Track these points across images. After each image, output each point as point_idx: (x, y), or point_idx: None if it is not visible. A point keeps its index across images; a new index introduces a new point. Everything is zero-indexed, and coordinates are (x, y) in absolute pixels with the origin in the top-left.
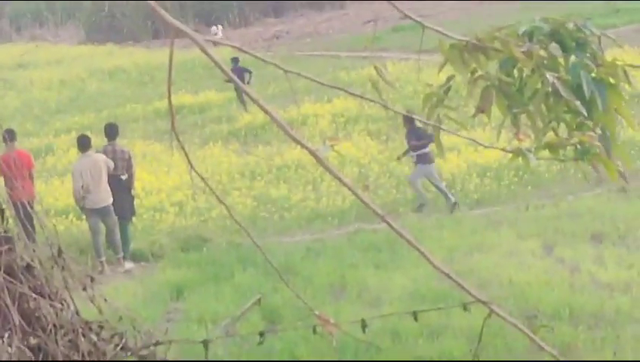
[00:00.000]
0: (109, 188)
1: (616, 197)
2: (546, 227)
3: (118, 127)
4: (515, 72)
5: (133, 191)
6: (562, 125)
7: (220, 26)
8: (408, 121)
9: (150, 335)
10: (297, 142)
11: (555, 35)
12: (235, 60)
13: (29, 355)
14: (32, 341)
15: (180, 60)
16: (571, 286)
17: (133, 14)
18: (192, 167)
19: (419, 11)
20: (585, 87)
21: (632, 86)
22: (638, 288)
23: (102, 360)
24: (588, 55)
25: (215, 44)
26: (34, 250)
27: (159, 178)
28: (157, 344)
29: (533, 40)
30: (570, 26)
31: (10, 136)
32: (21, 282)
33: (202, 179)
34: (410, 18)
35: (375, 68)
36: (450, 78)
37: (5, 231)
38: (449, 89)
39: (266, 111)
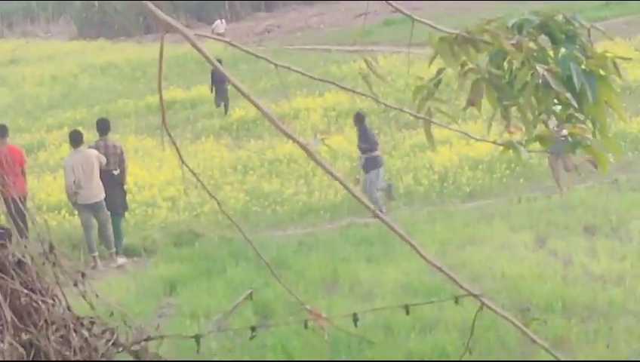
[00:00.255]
0: (101, 184)
1: (608, 190)
2: (539, 219)
3: (109, 122)
4: (505, 64)
5: (125, 187)
6: (553, 118)
7: (223, 20)
8: (359, 120)
9: (142, 331)
10: (288, 136)
11: (545, 27)
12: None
13: (21, 351)
14: (24, 337)
15: (172, 55)
16: (564, 279)
17: (125, 10)
18: (183, 162)
19: (409, 5)
20: (575, 79)
21: (622, 78)
22: (631, 280)
23: (93, 355)
24: (577, 47)
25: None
26: (25, 246)
27: (151, 173)
28: (148, 339)
29: (523, 32)
30: (560, 18)
31: (2, 132)
32: (12, 278)
33: (194, 173)
34: (401, 12)
35: (366, 61)
36: (440, 71)
37: None
38: (439, 82)
39: (256, 106)
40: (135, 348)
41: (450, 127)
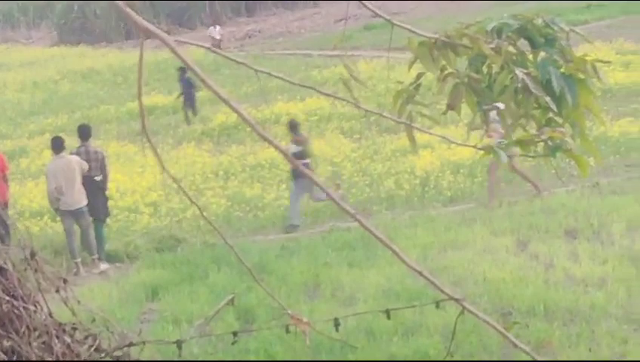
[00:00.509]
0: (83, 190)
1: (589, 193)
2: (520, 223)
3: (90, 128)
4: (485, 68)
5: (106, 192)
6: (532, 122)
7: (217, 26)
8: (292, 128)
9: (124, 336)
10: (268, 141)
11: (524, 31)
12: (182, 71)
13: (2, 357)
14: (6, 343)
15: (153, 61)
16: (546, 282)
17: (106, 15)
18: (163, 168)
19: (390, 9)
20: (554, 83)
21: (602, 81)
22: (613, 283)
23: (76, 361)
24: (557, 51)
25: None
26: (7, 253)
27: (133, 179)
28: (131, 345)
29: (502, 36)
30: (539, 22)
31: None
32: None
33: (174, 180)
34: (380, 16)
35: (346, 66)
36: (419, 76)
37: None
38: (419, 86)
39: (235, 111)
40: (117, 353)
41: (431, 132)
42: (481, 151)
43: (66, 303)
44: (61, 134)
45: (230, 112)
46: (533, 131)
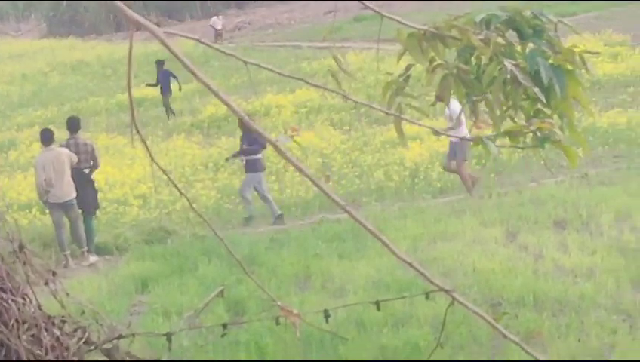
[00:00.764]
0: (72, 182)
1: (578, 184)
2: (509, 214)
3: (79, 120)
4: (473, 60)
5: (96, 185)
6: (520, 113)
7: (220, 16)
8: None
9: (113, 329)
10: (258, 132)
11: (512, 22)
12: (160, 64)
13: None
14: None
15: (142, 53)
16: (535, 273)
17: (95, 8)
18: (153, 160)
19: (379, 1)
20: (543, 74)
21: (591, 73)
22: (602, 274)
23: (65, 354)
24: (545, 42)
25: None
26: None
27: (122, 171)
28: (120, 337)
29: (491, 28)
30: (527, 13)
31: None
32: None
33: (164, 171)
34: (369, 8)
35: (334, 58)
36: (409, 67)
37: None
38: (408, 77)
39: (225, 103)
40: (107, 346)
41: (421, 123)
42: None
43: (55, 296)
44: (50, 126)
45: (220, 104)
46: (522, 122)
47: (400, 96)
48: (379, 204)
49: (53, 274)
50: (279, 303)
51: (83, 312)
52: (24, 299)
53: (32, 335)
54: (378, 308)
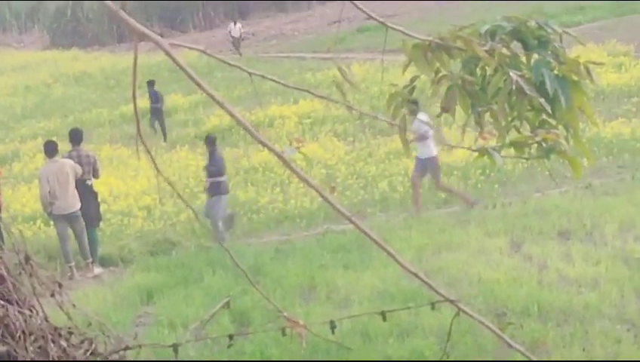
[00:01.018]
0: (76, 194)
1: (582, 194)
2: (514, 224)
3: (82, 132)
4: (478, 70)
5: (99, 196)
6: (525, 124)
7: (237, 23)
8: (210, 143)
9: (120, 340)
10: (264, 144)
11: (517, 33)
12: (150, 84)
13: None
14: (2, 348)
15: (146, 64)
16: (540, 283)
17: (98, 19)
18: (158, 171)
19: (383, 12)
20: (548, 85)
21: (595, 83)
22: (606, 284)
23: None
24: (550, 53)
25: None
26: (1, 257)
27: (127, 182)
28: (126, 348)
29: (496, 39)
30: (532, 24)
31: None
32: None
33: (169, 183)
34: (374, 19)
35: (339, 69)
36: (414, 78)
37: None
38: (413, 89)
39: (231, 114)
40: (113, 357)
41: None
42: (476, 154)
43: (61, 307)
44: (54, 138)
45: (223, 115)
46: (527, 133)
47: (405, 108)
48: (383, 214)
49: (60, 285)
50: (285, 314)
51: (89, 324)
52: (31, 310)
53: (39, 347)
54: (384, 319)
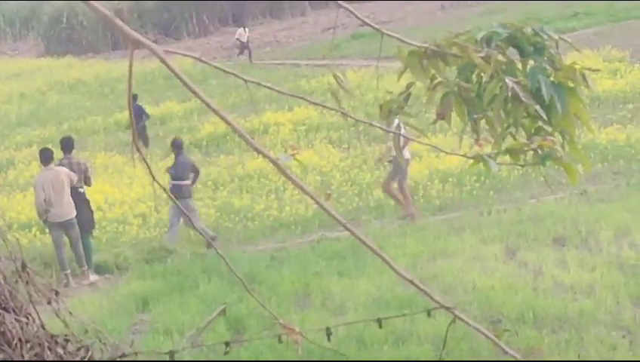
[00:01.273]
0: (72, 202)
1: (577, 201)
2: (509, 231)
3: (73, 140)
4: (474, 77)
5: (91, 204)
6: (521, 130)
7: (246, 28)
8: (176, 147)
9: (116, 348)
10: (259, 151)
11: (513, 40)
12: (133, 98)
13: None
14: None
15: (140, 71)
16: (535, 290)
17: (93, 26)
18: (154, 178)
19: (377, 18)
20: (544, 91)
21: (591, 89)
22: (601, 290)
23: None
24: (546, 59)
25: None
26: None
27: (122, 190)
28: (123, 356)
29: (492, 45)
30: (528, 30)
31: None
32: None
33: (165, 190)
34: (369, 25)
35: (334, 76)
36: (409, 85)
37: None
38: (409, 96)
39: (226, 122)
40: None
41: (421, 141)
42: (471, 160)
43: (58, 315)
44: (49, 146)
45: (218, 123)
46: (523, 140)
47: (400, 115)
48: (378, 221)
49: (56, 293)
50: (281, 321)
51: (86, 331)
52: (27, 318)
53: (36, 355)
54: (380, 326)
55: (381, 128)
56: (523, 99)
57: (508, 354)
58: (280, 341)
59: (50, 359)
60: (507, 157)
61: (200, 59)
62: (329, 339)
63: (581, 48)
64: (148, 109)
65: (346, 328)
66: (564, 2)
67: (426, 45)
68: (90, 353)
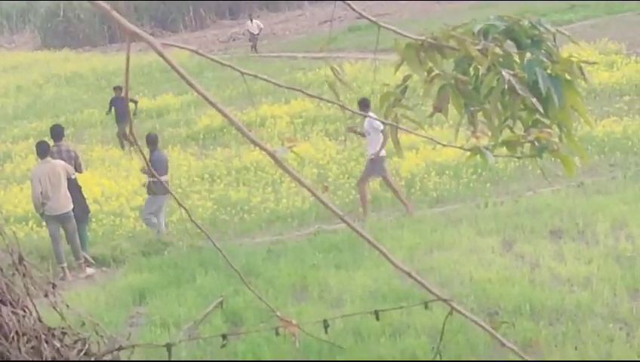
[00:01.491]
0: (69, 195)
1: (574, 193)
2: (506, 223)
3: (63, 128)
4: (471, 70)
5: (83, 190)
6: (518, 123)
7: (256, 21)
8: (151, 142)
9: (113, 340)
10: (256, 144)
11: (510, 32)
12: (117, 89)
13: None
14: None
15: (137, 64)
16: (532, 282)
17: (89, 19)
18: (152, 171)
19: (374, 11)
20: (541, 84)
21: (588, 82)
22: (598, 283)
23: None
24: (543, 52)
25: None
26: None
27: (118, 183)
28: (120, 349)
29: (489, 38)
30: (525, 23)
31: None
32: None
33: (162, 182)
34: (366, 18)
35: (332, 68)
36: (407, 78)
37: None
38: (406, 88)
39: (224, 115)
40: (107, 357)
41: (418, 133)
42: (467, 152)
43: (55, 308)
44: (45, 139)
45: (215, 115)
46: (521, 132)
47: (397, 107)
48: (375, 214)
49: (53, 286)
50: (279, 314)
51: (83, 324)
52: (24, 311)
53: (33, 347)
54: (377, 318)
55: (379, 120)
56: (520, 91)
57: (505, 347)
58: (277, 333)
59: (47, 352)
60: (504, 150)
61: (197, 52)
62: (326, 332)
63: (577, 41)
64: (145, 102)
65: (343, 320)
66: None
67: (423, 38)
68: (87, 346)
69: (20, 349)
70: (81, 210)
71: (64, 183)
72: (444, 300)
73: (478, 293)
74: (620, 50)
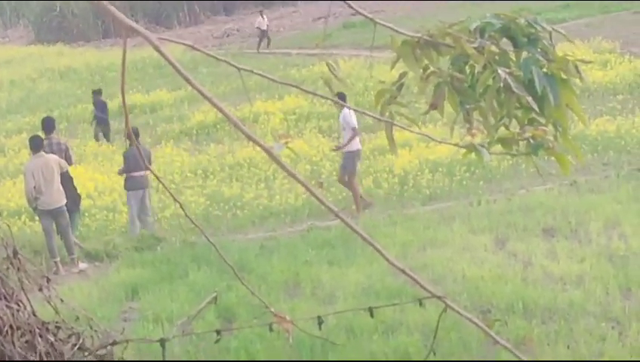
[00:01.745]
0: (62, 189)
1: (567, 191)
2: (499, 221)
3: (54, 121)
4: (467, 68)
5: (75, 181)
6: (514, 121)
7: (264, 16)
8: (129, 137)
9: (107, 335)
10: (252, 140)
11: (507, 30)
12: (97, 93)
13: None
14: None
15: (131, 60)
16: (524, 280)
17: (83, 14)
18: (147, 166)
19: (369, 7)
20: (536, 82)
21: (584, 81)
22: (591, 281)
23: (59, 360)
24: (539, 50)
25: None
26: None
27: (112, 178)
28: (114, 343)
29: (485, 36)
30: (522, 21)
31: None
32: None
33: (157, 177)
34: (362, 14)
35: (327, 64)
36: (402, 75)
37: None
38: (402, 86)
39: (220, 110)
40: (101, 352)
41: (414, 131)
42: (461, 150)
43: (49, 302)
44: (39, 133)
45: (209, 111)
46: (516, 130)
47: (392, 105)
48: (368, 211)
49: (47, 280)
50: (272, 310)
51: (77, 318)
52: (18, 305)
53: (27, 342)
54: (371, 315)
55: (374, 117)
56: (515, 90)
57: (499, 344)
58: (271, 329)
59: (41, 346)
60: (499, 147)
61: (193, 47)
62: (320, 328)
63: (572, 39)
64: (138, 98)
65: (336, 317)
66: None
67: (419, 35)
68: (81, 340)
69: (14, 343)
70: (72, 200)
71: (57, 178)
72: (439, 297)
73: (471, 291)
74: (613, 49)
